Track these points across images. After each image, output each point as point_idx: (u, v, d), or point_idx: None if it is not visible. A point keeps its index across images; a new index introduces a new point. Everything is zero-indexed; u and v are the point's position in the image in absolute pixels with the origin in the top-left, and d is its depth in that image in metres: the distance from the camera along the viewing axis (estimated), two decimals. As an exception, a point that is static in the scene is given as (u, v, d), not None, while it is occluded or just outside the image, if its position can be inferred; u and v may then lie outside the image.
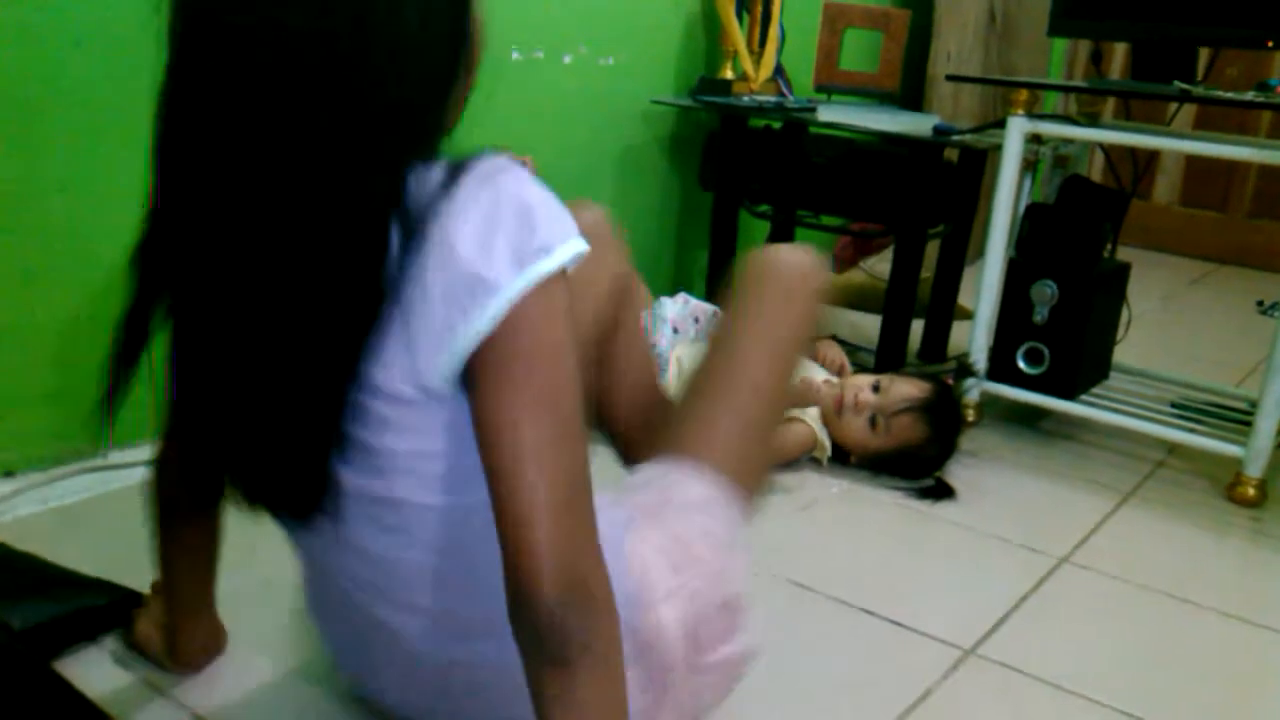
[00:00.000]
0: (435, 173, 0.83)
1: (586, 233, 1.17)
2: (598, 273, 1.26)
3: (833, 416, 2.00)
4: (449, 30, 0.85)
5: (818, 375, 2.11)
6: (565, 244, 0.83)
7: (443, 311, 0.81)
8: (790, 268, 1.32)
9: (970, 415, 2.26)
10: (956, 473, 2.01)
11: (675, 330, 2.11)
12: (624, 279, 1.34)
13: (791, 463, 2.00)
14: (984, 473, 2.08)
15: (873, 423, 1.97)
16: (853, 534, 1.80)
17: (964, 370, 2.22)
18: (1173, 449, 2.21)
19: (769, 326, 1.27)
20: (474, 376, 0.83)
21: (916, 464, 1.99)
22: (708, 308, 2.18)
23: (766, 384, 1.23)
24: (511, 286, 0.80)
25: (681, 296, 2.17)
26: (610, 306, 1.33)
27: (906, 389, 1.99)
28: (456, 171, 0.83)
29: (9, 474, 1.66)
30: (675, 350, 2.10)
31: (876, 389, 1.99)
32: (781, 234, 2.84)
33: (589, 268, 1.11)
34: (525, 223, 0.82)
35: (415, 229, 0.81)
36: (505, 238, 0.81)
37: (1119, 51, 3.97)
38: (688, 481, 1.15)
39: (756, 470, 1.23)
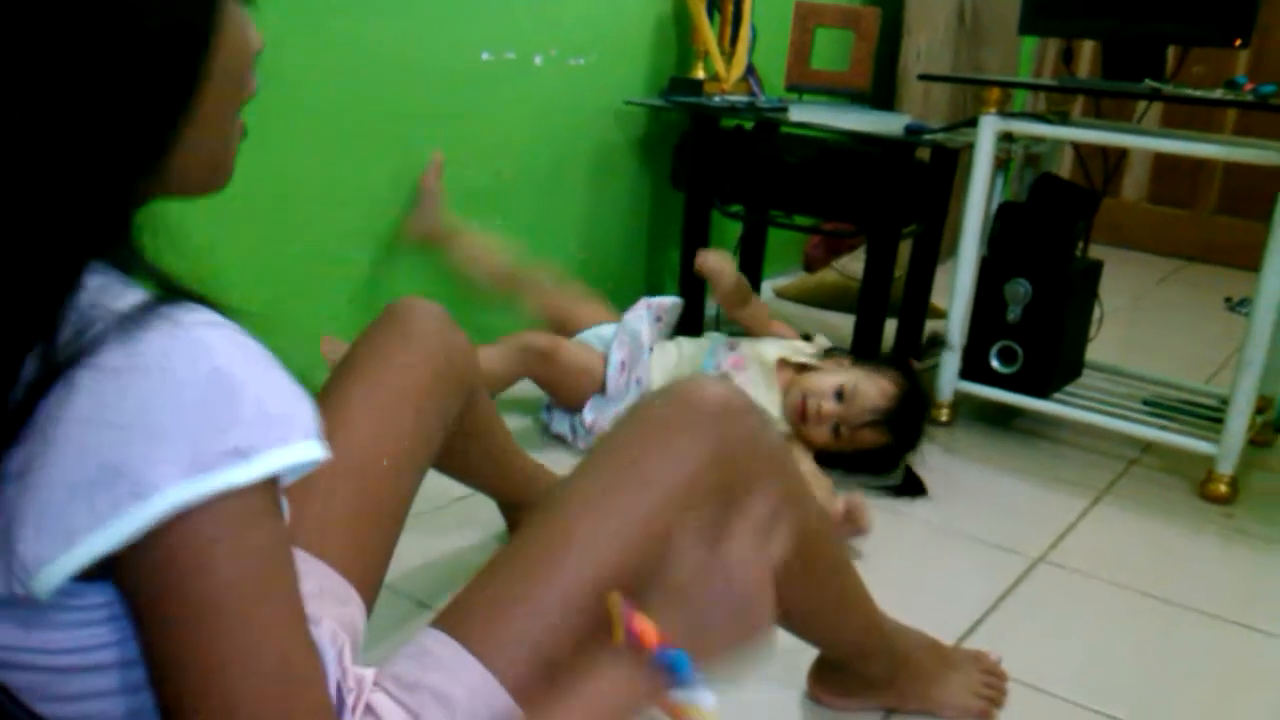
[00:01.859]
0: (119, 295, 0.60)
1: (414, 332, 1.08)
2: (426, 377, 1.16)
3: (794, 422, 1.97)
4: (173, 43, 0.60)
5: (772, 349, 2.07)
6: (279, 449, 0.60)
7: (65, 502, 0.57)
8: (700, 397, 0.99)
9: (944, 415, 2.26)
10: (929, 472, 2.00)
11: (650, 349, 2.07)
12: (458, 369, 1.23)
13: None
14: (958, 472, 2.07)
15: (836, 431, 1.93)
16: (829, 536, 1.79)
17: (935, 342, 2.18)
18: (1146, 447, 2.22)
19: (651, 486, 0.94)
20: (125, 594, 0.62)
21: (881, 460, 1.97)
22: (665, 301, 2.15)
23: (610, 569, 0.90)
24: (171, 495, 0.57)
25: (641, 304, 2.11)
26: (452, 398, 1.23)
27: (872, 395, 1.91)
28: (148, 309, 0.59)
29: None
30: (651, 362, 2.06)
31: (840, 396, 1.93)
32: (754, 233, 2.83)
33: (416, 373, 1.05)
34: (221, 412, 0.58)
35: (63, 363, 0.58)
36: (186, 426, 0.57)
37: (1087, 49, 3.99)
38: (455, 669, 0.84)
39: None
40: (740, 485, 0.98)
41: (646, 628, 0.78)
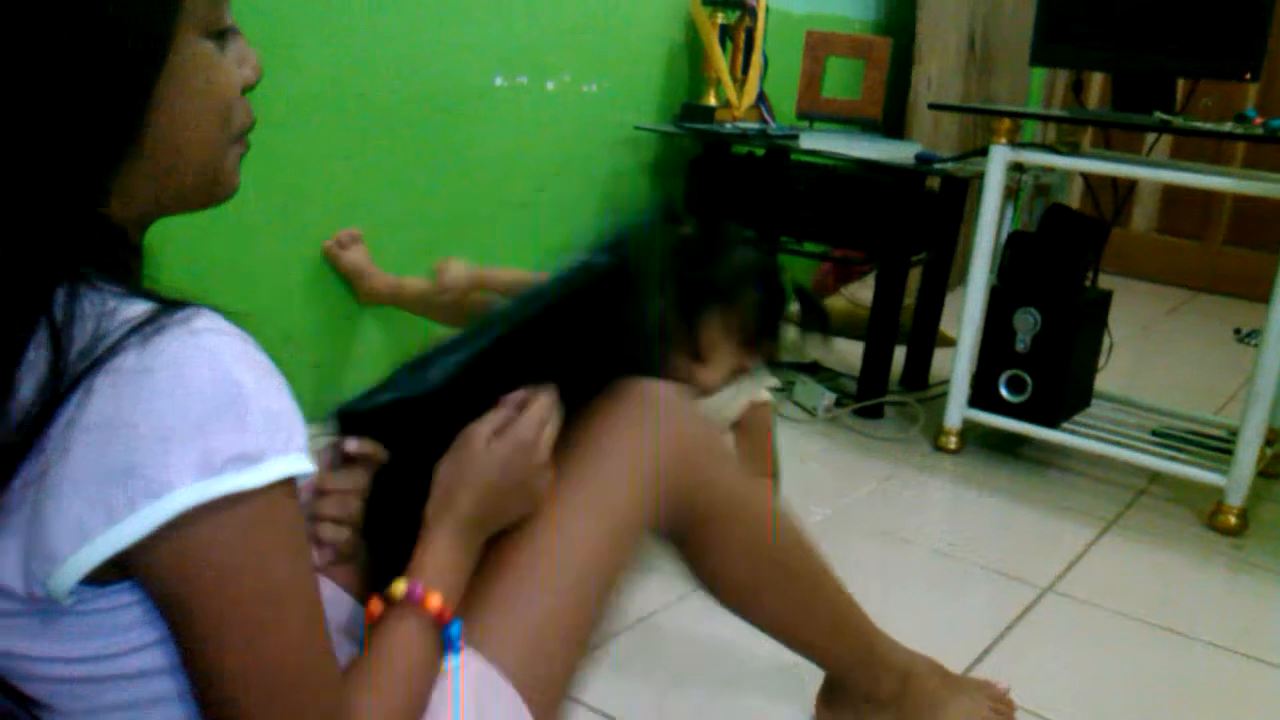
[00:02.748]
0: (129, 306, 0.62)
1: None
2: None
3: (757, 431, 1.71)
4: (118, 73, 0.62)
5: (729, 411, 1.71)
6: (282, 457, 0.63)
7: (81, 501, 0.60)
8: (644, 394, 1.05)
9: (953, 443, 2.26)
10: (938, 499, 2.01)
11: None
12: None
13: None
14: (966, 501, 2.07)
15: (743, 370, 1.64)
16: (834, 564, 1.78)
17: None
18: (1154, 477, 2.22)
19: (607, 474, 1.00)
20: (152, 598, 0.65)
21: (770, 321, 1.62)
22: None
23: (586, 556, 0.96)
24: (183, 495, 0.59)
25: None
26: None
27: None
28: (162, 314, 0.61)
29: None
30: None
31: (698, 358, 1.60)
32: (764, 260, 2.84)
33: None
34: (233, 417, 0.61)
35: (72, 372, 0.60)
36: (199, 428, 0.60)
37: (1097, 80, 4.01)
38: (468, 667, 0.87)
39: (555, 678, 0.93)
40: (693, 477, 1.05)
41: (432, 597, 0.81)
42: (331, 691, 0.69)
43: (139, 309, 0.62)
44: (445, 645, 0.83)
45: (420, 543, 0.86)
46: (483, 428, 0.90)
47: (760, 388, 1.72)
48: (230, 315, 0.65)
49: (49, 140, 0.61)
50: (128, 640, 0.66)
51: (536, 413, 0.92)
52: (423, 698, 0.80)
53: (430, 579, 0.83)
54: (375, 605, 0.81)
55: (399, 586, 0.81)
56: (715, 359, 1.59)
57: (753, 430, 1.72)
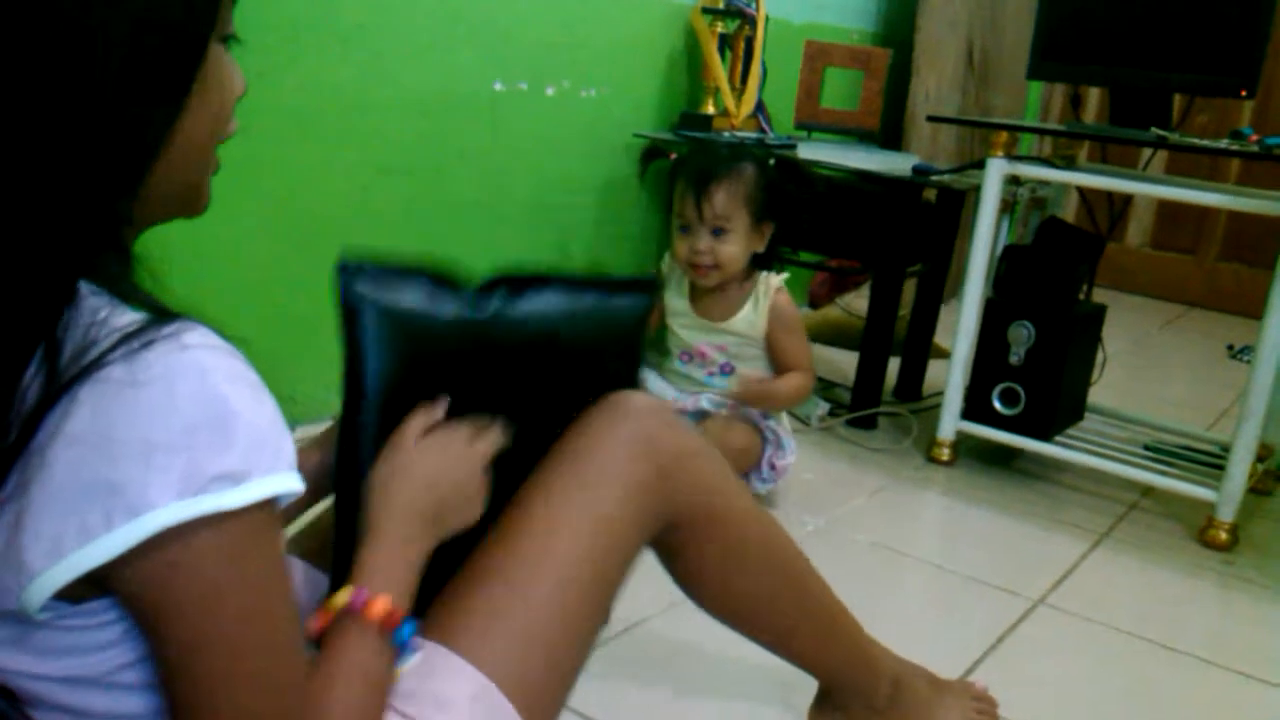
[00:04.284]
0: (119, 315, 0.61)
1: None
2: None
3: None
4: (160, 75, 0.62)
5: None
6: (266, 477, 0.61)
7: (58, 515, 0.58)
8: (627, 404, 1.05)
9: (945, 455, 2.26)
10: (931, 510, 2.01)
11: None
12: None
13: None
14: (959, 513, 2.08)
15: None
16: (826, 575, 1.78)
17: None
18: (1146, 491, 2.22)
19: (595, 485, 1.00)
20: (128, 611, 0.63)
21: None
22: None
23: (576, 567, 0.96)
24: (162, 514, 0.58)
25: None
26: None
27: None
28: (152, 327, 0.60)
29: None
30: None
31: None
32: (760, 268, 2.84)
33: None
34: (218, 435, 0.59)
35: (69, 379, 0.58)
36: (184, 446, 0.58)
37: (1094, 95, 4.02)
38: (452, 675, 0.86)
39: (550, 687, 0.92)
40: (673, 483, 1.04)
41: (378, 604, 0.80)
42: (301, 710, 0.68)
43: (129, 318, 0.61)
44: (399, 650, 0.81)
45: (363, 544, 0.85)
46: (411, 428, 0.91)
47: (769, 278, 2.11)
48: (223, 333, 0.63)
49: (90, 140, 0.60)
50: (106, 658, 0.65)
51: (467, 429, 0.94)
52: (379, 710, 0.78)
53: (377, 582, 0.81)
54: (318, 620, 0.79)
55: (341, 597, 0.79)
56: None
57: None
